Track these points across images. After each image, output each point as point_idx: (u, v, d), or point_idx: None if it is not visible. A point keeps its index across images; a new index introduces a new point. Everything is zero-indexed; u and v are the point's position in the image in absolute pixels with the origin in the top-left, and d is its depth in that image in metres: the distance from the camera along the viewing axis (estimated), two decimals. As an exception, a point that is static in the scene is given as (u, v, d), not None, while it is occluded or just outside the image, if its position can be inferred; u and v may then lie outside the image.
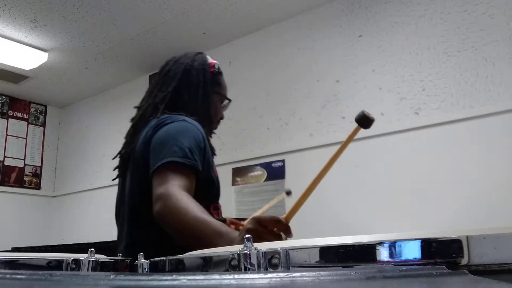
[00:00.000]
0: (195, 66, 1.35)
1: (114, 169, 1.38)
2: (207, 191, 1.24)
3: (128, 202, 1.28)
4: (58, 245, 3.11)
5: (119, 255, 0.89)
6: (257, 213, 1.45)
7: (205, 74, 1.35)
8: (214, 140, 1.47)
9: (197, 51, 1.45)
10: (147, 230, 1.17)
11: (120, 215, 1.35)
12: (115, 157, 1.38)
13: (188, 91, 1.32)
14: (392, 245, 0.40)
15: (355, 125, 1.06)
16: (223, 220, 1.27)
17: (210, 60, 1.40)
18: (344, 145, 1.06)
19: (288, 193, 1.53)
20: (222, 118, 1.44)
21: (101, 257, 0.68)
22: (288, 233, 0.96)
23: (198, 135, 1.19)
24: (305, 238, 0.47)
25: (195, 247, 0.81)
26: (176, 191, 1.02)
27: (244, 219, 1.51)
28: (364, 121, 1.05)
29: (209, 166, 1.25)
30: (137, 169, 1.24)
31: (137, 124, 1.33)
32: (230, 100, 1.44)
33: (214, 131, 1.45)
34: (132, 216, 1.27)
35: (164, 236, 1.04)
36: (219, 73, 1.40)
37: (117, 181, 1.41)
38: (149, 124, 1.25)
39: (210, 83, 1.35)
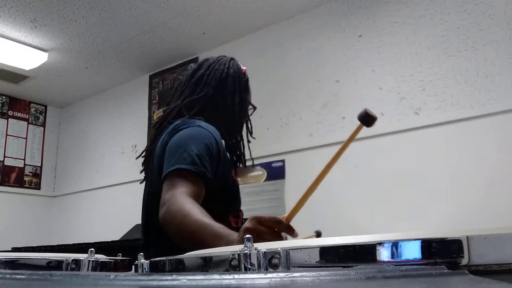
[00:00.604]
0: (231, 74, 1.34)
1: (141, 172, 1.38)
2: (224, 198, 1.24)
3: (143, 204, 1.30)
4: (58, 245, 3.10)
5: (119, 254, 0.89)
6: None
7: (240, 82, 1.35)
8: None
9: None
10: (157, 233, 1.18)
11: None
12: (139, 156, 1.39)
13: (224, 99, 1.30)
14: (392, 245, 0.40)
15: (358, 123, 1.06)
16: None
17: (242, 67, 1.41)
18: (346, 143, 1.06)
19: (319, 235, 1.51)
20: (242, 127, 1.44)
21: (101, 257, 0.68)
22: (291, 233, 0.95)
23: (211, 140, 1.17)
24: (305, 238, 0.47)
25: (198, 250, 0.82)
26: (180, 196, 1.02)
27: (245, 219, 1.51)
28: (367, 119, 1.05)
29: (225, 171, 1.23)
30: (153, 172, 1.24)
31: (160, 125, 1.32)
32: (255, 108, 1.43)
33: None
34: (145, 219, 1.28)
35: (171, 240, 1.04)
36: (247, 79, 1.41)
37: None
38: (169, 128, 1.25)
39: (243, 91, 1.35)
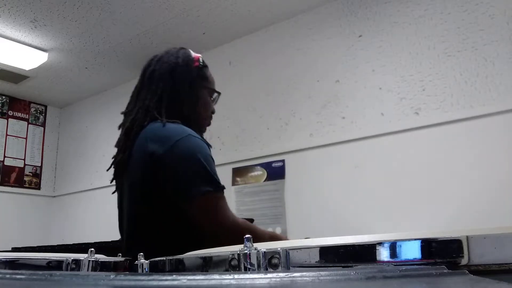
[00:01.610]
0: (180, 63, 1.30)
1: (111, 181, 1.36)
2: None
3: (128, 212, 1.28)
4: (58, 245, 3.10)
5: (119, 254, 0.89)
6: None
7: (190, 71, 1.31)
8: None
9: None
10: (149, 241, 1.20)
11: (122, 225, 1.34)
12: (109, 168, 1.34)
13: (177, 91, 1.28)
14: (392, 245, 0.40)
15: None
16: (251, 220, 1.37)
17: (194, 54, 1.35)
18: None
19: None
20: (213, 112, 1.40)
21: (101, 257, 0.68)
22: None
23: (206, 146, 1.22)
24: (305, 238, 0.47)
25: None
26: (235, 222, 1.21)
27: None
28: None
29: None
30: (138, 180, 1.22)
31: (130, 130, 1.27)
32: (219, 93, 1.40)
33: (208, 128, 1.42)
34: (131, 226, 1.28)
35: (166, 247, 1.04)
36: (204, 66, 1.36)
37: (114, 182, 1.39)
38: (145, 132, 1.22)
39: (197, 78, 1.32)
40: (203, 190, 1.14)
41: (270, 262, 0.43)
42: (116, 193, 1.38)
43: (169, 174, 1.17)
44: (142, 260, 0.61)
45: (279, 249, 0.43)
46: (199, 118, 1.34)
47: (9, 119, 4.21)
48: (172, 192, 1.17)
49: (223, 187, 1.20)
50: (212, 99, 1.39)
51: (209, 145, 1.25)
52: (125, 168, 1.27)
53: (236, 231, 1.17)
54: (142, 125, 1.24)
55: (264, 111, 2.98)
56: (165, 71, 1.30)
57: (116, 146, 1.33)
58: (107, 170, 1.35)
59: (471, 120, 2.14)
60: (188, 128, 1.22)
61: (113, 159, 1.33)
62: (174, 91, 1.28)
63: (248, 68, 3.12)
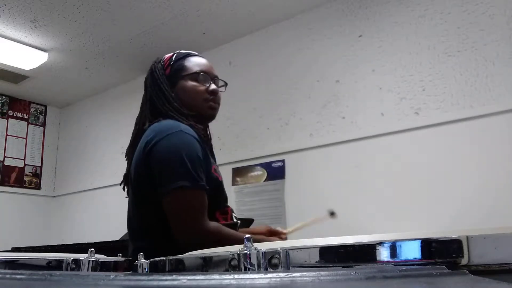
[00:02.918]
0: (157, 67, 1.37)
1: (123, 186, 1.40)
2: (209, 195, 1.24)
3: (129, 214, 1.32)
4: (58, 245, 3.10)
5: (119, 254, 0.89)
6: (290, 229, 1.49)
7: (162, 69, 1.36)
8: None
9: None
10: (145, 239, 1.22)
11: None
12: (122, 182, 1.39)
13: (156, 94, 1.33)
14: (392, 245, 0.40)
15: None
16: (234, 224, 1.29)
17: (166, 56, 1.40)
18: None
19: (332, 213, 1.55)
20: (213, 92, 1.35)
21: (101, 257, 0.68)
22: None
23: (195, 144, 1.20)
24: (305, 238, 0.47)
25: None
26: (206, 224, 1.15)
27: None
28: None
29: (207, 169, 1.24)
30: (135, 179, 1.26)
31: (134, 140, 1.34)
32: (199, 72, 1.35)
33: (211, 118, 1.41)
34: (131, 225, 1.31)
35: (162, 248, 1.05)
36: (179, 59, 1.37)
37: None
38: (144, 135, 1.26)
39: (171, 76, 1.34)
40: (178, 184, 1.12)
41: (270, 262, 0.43)
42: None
43: (154, 167, 1.19)
44: (142, 260, 0.61)
45: (279, 249, 0.43)
46: (192, 107, 1.33)
47: (9, 119, 4.21)
48: (156, 187, 1.18)
49: (204, 187, 1.16)
50: (199, 81, 1.35)
51: (208, 140, 1.27)
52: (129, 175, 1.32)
53: (209, 236, 1.13)
54: (143, 129, 1.30)
55: (264, 111, 2.98)
56: (148, 76, 1.39)
57: (126, 156, 1.38)
58: (120, 184, 1.39)
59: (471, 120, 2.14)
60: (182, 124, 1.24)
61: (126, 172, 1.38)
62: (155, 95, 1.34)
63: (248, 68, 3.12)
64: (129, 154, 1.35)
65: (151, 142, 1.20)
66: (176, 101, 1.31)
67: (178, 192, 1.13)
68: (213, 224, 1.18)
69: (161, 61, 1.38)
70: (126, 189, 1.37)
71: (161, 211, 1.16)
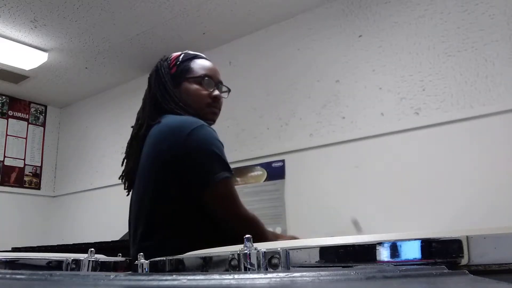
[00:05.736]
0: (163, 65, 1.38)
1: (126, 190, 1.39)
2: None
3: (148, 205, 1.26)
4: (58, 245, 3.10)
5: (119, 255, 0.89)
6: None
7: (168, 68, 1.37)
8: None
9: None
10: (166, 233, 1.20)
11: (134, 220, 1.33)
12: (121, 176, 1.39)
13: (160, 91, 1.34)
14: (392, 245, 0.40)
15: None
16: None
17: (174, 54, 1.41)
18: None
19: (356, 223, 1.56)
20: (216, 97, 1.37)
21: (101, 257, 0.68)
22: None
23: (218, 137, 1.27)
24: (305, 238, 0.47)
25: None
26: (247, 212, 1.25)
27: None
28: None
29: None
30: (151, 178, 1.25)
31: (137, 134, 1.34)
32: (204, 76, 1.36)
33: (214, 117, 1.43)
34: (147, 225, 1.26)
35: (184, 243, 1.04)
36: (186, 59, 1.38)
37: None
38: (154, 131, 1.27)
39: (176, 76, 1.35)
40: (222, 176, 1.18)
41: (270, 262, 0.43)
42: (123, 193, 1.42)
43: (186, 163, 1.19)
44: (142, 260, 0.61)
45: (279, 249, 0.43)
46: (193, 109, 1.34)
47: (9, 119, 4.21)
48: (188, 181, 1.18)
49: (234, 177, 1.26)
50: (203, 86, 1.36)
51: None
52: (135, 172, 1.32)
53: (249, 221, 1.22)
54: (149, 125, 1.31)
55: (264, 111, 2.98)
56: (153, 75, 1.39)
57: (126, 153, 1.38)
58: (119, 178, 1.39)
59: (471, 120, 2.14)
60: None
61: (126, 167, 1.37)
62: (159, 94, 1.34)
63: (248, 68, 3.12)
64: (134, 148, 1.34)
65: (185, 131, 1.20)
66: (180, 101, 1.34)
67: (222, 182, 1.19)
68: (250, 212, 1.28)
69: (168, 60, 1.39)
70: (127, 187, 1.36)
71: (190, 204, 1.18)
